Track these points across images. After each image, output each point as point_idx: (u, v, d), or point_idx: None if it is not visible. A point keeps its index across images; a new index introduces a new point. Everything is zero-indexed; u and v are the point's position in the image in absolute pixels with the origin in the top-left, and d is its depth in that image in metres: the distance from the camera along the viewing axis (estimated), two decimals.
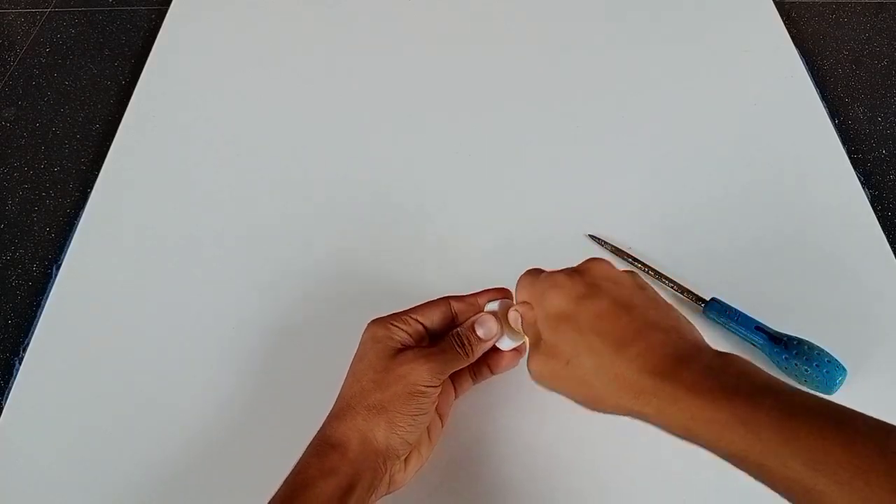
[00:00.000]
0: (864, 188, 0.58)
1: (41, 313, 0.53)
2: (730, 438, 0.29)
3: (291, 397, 0.47)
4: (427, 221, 0.57)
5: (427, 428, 0.40)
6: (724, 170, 0.60)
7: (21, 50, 0.77)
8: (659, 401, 0.31)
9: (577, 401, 0.35)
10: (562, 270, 0.38)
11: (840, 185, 0.59)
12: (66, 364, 0.49)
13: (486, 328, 0.40)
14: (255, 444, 0.45)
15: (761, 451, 0.28)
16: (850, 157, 0.61)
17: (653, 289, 0.37)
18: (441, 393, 0.40)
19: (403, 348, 0.39)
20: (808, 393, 0.30)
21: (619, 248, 0.54)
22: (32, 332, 0.52)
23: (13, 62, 0.76)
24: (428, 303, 0.42)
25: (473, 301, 0.43)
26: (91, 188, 0.60)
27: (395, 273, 0.53)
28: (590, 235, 0.55)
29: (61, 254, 0.57)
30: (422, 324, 0.41)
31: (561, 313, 0.35)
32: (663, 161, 0.61)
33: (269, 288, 0.53)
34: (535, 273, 0.39)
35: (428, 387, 0.38)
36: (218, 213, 0.58)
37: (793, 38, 0.72)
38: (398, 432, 0.37)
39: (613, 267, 0.38)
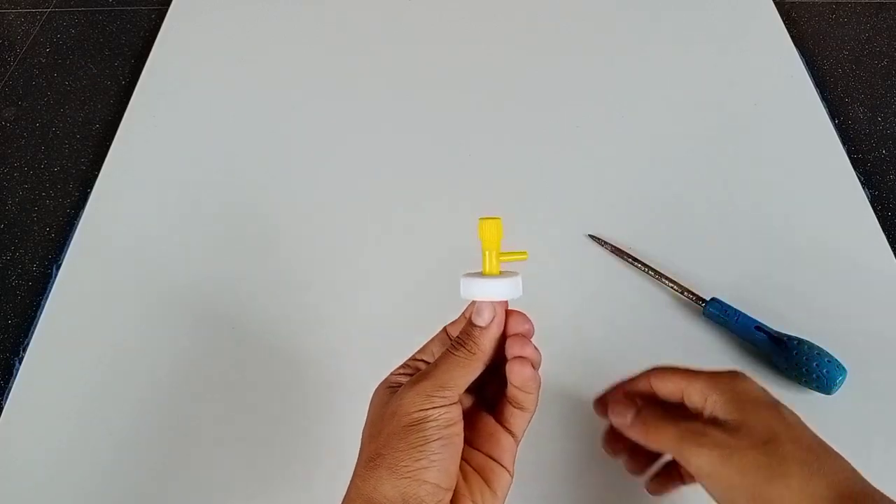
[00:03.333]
0: (864, 188, 0.58)
1: (41, 313, 0.53)
2: None
3: (292, 397, 0.47)
4: (426, 221, 0.57)
5: (486, 478, 0.33)
6: (724, 170, 0.60)
7: (21, 50, 0.77)
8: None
9: (745, 499, 0.30)
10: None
11: (840, 186, 0.59)
12: (66, 364, 0.49)
13: (481, 314, 0.34)
14: (256, 444, 0.45)
15: None
16: (850, 158, 0.61)
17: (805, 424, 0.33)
18: (477, 430, 0.34)
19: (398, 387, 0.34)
20: None
21: (619, 248, 0.54)
22: (32, 332, 0.52)
23: (13, 62, 0.76)
24: (427, 342, 0.37)
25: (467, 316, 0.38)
26: (91, 188, 0.60)
27: (391, 270, 0.53)
28: (590, 235, 0.55)
29: (61, 254, 0.57)
30: (422, 360, 0.36)
31: (759, 398, 0.32)
32: (663, 161, 0.61)
33: (269, 287, 0.53)
34: (685, 370, 0.34)
35: (422, 411, 0.31)
36: (218, 213, 0.58)
37: (793, 38, 0.72)
38: (406, 475, 0.30)
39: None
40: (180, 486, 0.44)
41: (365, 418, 0.34)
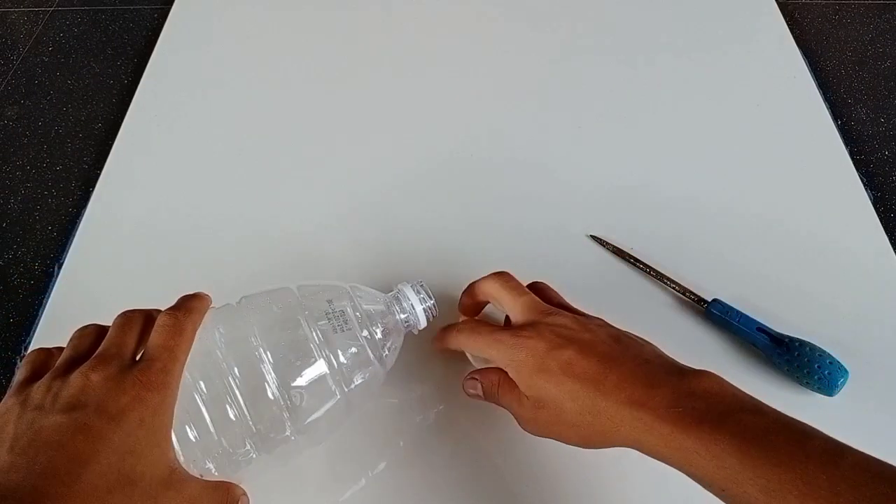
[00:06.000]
0: (866, 190, 0.58)
1: (42, 312, 0.53)
2: (697, 464, 0.31)
3: None
4: (426, 221, 0.57)
5: None
6: (726, 171, 0.60)
7: (24, 49, 0.77)
8: (637, 430, 0.33)
9: (572, 443, 0.37)
10: (518, 329, 0.39)
11: (843, 187, 0.59)
12: None
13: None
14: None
15: (724, 476, 0.30)
16: (852, 159, 0.61)
17: (610, 324, 0.40)
18: None
19: None
20: (772, 414, 0.31)
21: (621, 248, 0.54)
22: (34, 331, 0.52)
23: (16, 61, 0.76)
24: None
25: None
26: (93, 187, 0.61)
27: (393, 271, 0.53)
28: (591, 236, 0.55)
29: (63, 253, 0.57)
30: None
31: (533, 368, 0.37)
32: (665, 162, 0.61)
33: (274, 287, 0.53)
34: (489, 333, 0.40)
35: None
36: (220, 212, 0.58)
37: (796, 39, 0.72)
38: None
39: (565, 314, 0.40)
40: None
41: None
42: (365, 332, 0.40)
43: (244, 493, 0.36)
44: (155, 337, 0.34)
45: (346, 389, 0.38)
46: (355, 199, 0.58)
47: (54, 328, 0.52)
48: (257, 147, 0.63)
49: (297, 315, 0.38)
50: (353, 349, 0.39)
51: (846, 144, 0.62)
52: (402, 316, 0.43)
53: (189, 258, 0.55)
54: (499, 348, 0.39)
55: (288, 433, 0.37)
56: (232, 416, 0.35)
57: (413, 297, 0.43)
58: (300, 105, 0.66)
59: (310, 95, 0.67)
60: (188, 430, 0.35)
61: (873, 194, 0.59)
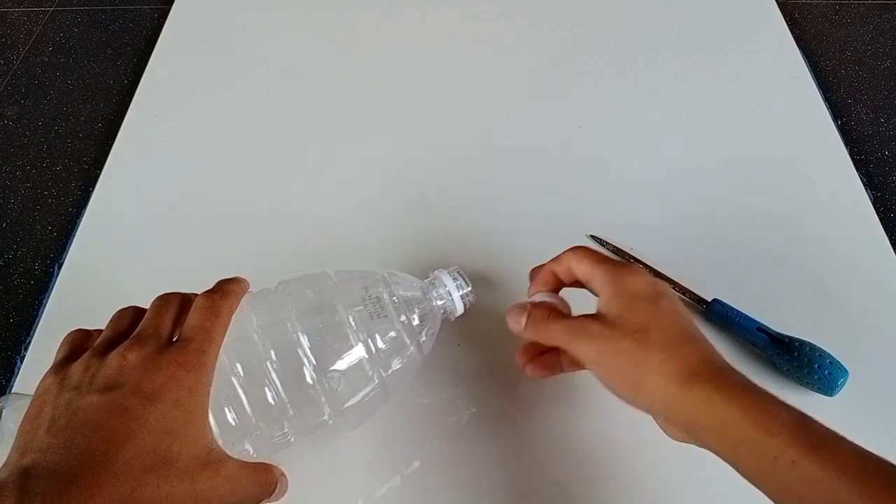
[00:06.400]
0: (866, 190, 0.58)
1: (42, 312, 0.53)
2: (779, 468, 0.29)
3: None
4: (427, 221, 0.57)
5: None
6: (726, 171, 0.60)
7: (24, 49, 0.77)
8: (709, 390, 0.31)
9: (619, 379, 0.35)
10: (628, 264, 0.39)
11: (843, 187, 0.59)
12: None
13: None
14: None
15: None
16: (852, 159, 0.61)
17: None
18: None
19: None
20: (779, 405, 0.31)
21: (621, 248, 0.54)
22: (34, 331, 0.52)
23: (16, 61, 0.76)
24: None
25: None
26: (93, 187, 0.61)
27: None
28: (591, 236, 0.55)
29: (63, 252, 0.57)
30: None
31: (641, 294, 0.35)
32: (665, 162, 0.61)
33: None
34: (598, 254, 0.39)
35: None
36: (221, 212, 0.58)
37: (796, 38, 0.72)
38: None
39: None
40: None
41: None
42: (402, 318, 0.40)
43: (283, 475, 0.36)
44: (191, 318, 0.34)
45: (383, 374, 0.39)
46: (355, 197, 0.58)
47: (54, 328, 0.51)
48: (258, 146, 0.63)
49: (334, 300, 0.39)
50: (391, 334, 0.39)
51: (846, 144, 0.62)
52: (439, 303, 0.43)
53: (189, 258, 0.55)
54: (606, 263, 0.38)
55: (325, 417, 0.37)
56: (270, 399, 0.35)
57: (450, 284, 0.43)
58: (300, 104, 0.66)
59: (310, 94, 0.67)
60: (227, 412, 0.35)
61: (873, 194, 0.59)
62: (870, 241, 0.55)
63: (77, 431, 0.29)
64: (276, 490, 0.35)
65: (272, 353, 0.36)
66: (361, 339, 0.38)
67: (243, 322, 0.37)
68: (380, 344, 0.38)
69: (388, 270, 0.42)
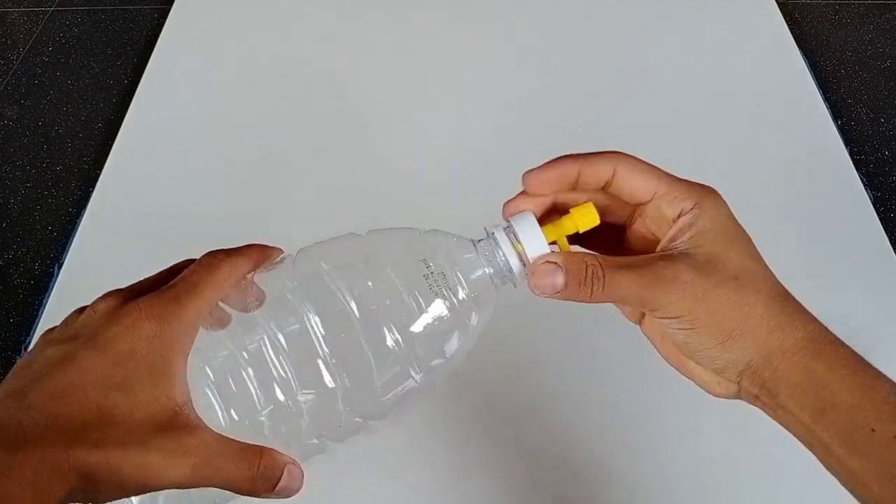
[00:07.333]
0: (866, 190, 0.58)
1: (42, 311, 0.53)
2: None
3: None
4: (427, 220, 0.57)
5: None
6: (726, 170, 0.60)
7: (24, 49, 0.77)
8: (818, 345, 0.28)
9: (713, 334, 0.28)
10: None
11: (843, 187, 0.59)
12: None
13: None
14: None
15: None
16: (852, 159, 0.61)
17: None
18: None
19: None
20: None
21: None
22: (34, 331, 0.52)
23: (16, 61, 0.76)
24: None
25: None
26: (93, 187, 0.61)
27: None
28: None
29: (63, 252, 0.57)
30: None
31: (737, 227, 0.30)
32: (665, 162, 0.60)
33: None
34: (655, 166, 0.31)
35: None
36: (220, 212, 0.58)
37: (796, 39, 0.72)
38: None
39: None
40: None
41: None
42: (461, 294, 0.31)
43: (294, 463, 0.29)
44: (185, 271, 0.30)
45: (447, 355, 0.32)
46: (356, 196, 0.58)
47: None
48: (258, 146, 0.63)
49: (393, 279, 0.31)
50: (446, 314, 0.31)
51: (846, 144, 0.62)
52: (499, 270, 0.32)
53: (189, 257, 0.55)
54: (686, 185, 0.30)
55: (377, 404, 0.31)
56: (328, 382, 0.29)
57: (508, 250, 0.31)
58: (300, 104, 0.66)
59: (310, 94, 0.67)
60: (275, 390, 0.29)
61: (873, 194, 0.59)
62: (870, 241, 0.55)
63: (27, 385, 0.26)
64: (283, 482, 0.29)
65: (322, 331, 0.30)
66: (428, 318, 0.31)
67: (281, 295, 0.31)
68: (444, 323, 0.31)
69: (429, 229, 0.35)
